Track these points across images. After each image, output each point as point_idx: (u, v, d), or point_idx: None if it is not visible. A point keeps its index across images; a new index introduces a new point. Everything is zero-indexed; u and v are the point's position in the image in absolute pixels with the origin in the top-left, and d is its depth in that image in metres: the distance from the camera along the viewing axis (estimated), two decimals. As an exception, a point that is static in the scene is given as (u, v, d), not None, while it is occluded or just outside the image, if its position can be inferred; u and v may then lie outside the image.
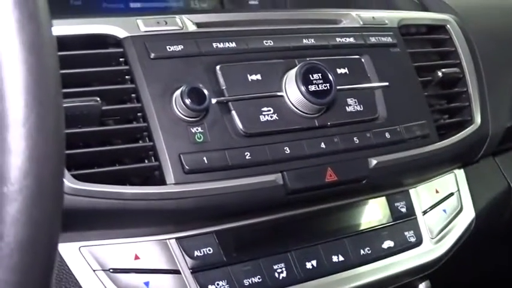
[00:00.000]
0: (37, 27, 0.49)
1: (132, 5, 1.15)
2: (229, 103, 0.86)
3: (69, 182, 0.73)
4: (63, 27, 0.80)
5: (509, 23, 1.30)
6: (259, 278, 0.88)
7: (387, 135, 0.96)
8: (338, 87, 0.91)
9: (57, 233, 0.52)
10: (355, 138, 0.93)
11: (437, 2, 1.23)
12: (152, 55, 0.83)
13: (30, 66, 0.48)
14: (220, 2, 1.23)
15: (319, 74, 0.90)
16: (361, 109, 0.95)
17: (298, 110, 0.90)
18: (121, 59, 0.83)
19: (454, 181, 1.14)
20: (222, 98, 0.86)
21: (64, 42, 0.77)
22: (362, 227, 1.00)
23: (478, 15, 1.25)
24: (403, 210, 1.05)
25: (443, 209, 1.10)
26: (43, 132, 0.49)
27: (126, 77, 0.83)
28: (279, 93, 0.90)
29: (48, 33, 0.50)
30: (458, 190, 1.14)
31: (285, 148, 0.88)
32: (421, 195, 1.08)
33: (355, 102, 0.95)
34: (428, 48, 1.15)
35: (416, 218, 1.06)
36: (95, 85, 0.82)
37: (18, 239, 0.48)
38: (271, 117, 0.88)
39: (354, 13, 1.04)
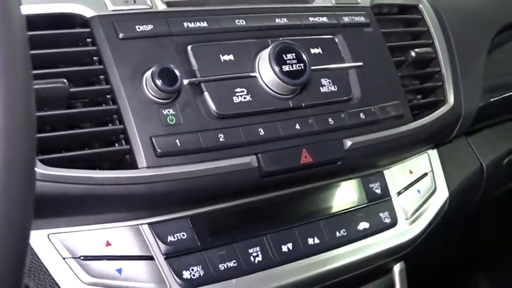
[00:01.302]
0: (6, 5, 0.46)
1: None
2: (202, 84, 0.84)
3: (37, 167, 0.71)
4: (28, 6, 0.77)
5: (481, 3, 1.29)
6: (234, 263, 0.87)
7: (362, 115, 0.95)
8: (312, 68, 0.90)
9: (30, 218, 0.50)
10: (329, 119, 0.92)
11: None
12: (121, 35, 0.81)
13: None
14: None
15: (293, 54, 0.88)
16: (336, 89, 0.94)
17: (272, 90, 0.88)
18: (88, 40, 0.81)
19: (427, 161, 1.14)
20: (194, 79, 0.84)
21: (29, 21, 0.74)
22: (337, 209, 0.99)
23: (450, -5, 1.25)
24: (378, 191, 1.04)
25: (418, 189, 1.10)
26: (12, 111, 0.46)
27: (94, 58, 0.81)
28: (252, 74, 0.88)
29: (17, 11, 0.48)
30: (432, 170, 1.13)
31: (259, 130, 0.86)
32: (396, 176, 1.07)
33: (329, 83, 0.94)
34: (401, 28, 1.14)
35: (391, 198, 1.05)
36: (61, 66, 0.79)
37: None
38: (245, 98, 0.86)
39: (326, -8, 1.02)
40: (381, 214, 1.03)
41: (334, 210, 0.99)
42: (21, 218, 0.49)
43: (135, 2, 0.84)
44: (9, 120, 0.47)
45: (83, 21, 0.81)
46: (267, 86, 0.88)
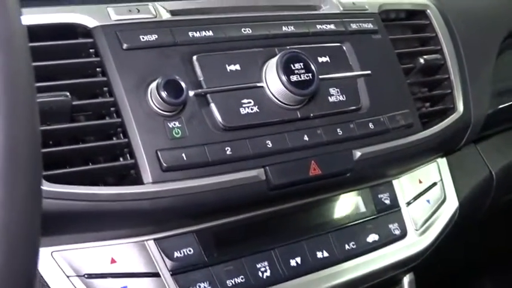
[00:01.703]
0: (6, 16, 0.44)
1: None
2: (208, 95, 0.82)
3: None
4: (28, 17, 0.75)
5: (488, 8, 1.27)
6: (242, 278, 0.85)
7: (371, 125, 0.93)
8: (320, 77, 0.88)
9: (38, 236, 0.48)
10: (338, 130, 0.90)
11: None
12: (125, 45, 0.79)
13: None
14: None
15: (301, 64, 0.86)
16: (344, 99, 0.92)
17: (280, 101, 0.86)
18: (91, 50, 0.79)
19: (436, 170, 1.12)
20: (200, 90, 0.82)
21: (29, 32, 0.72)
22: (346, 221, 0.97)
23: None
24: (387, 202, 1.02)
25: (427, 199, 1.08)
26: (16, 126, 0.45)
27: (98, 69, 0.79)
28: (259, 84, 0.86)
29: (18, 22, 0.46)
30: (441, 179, 1.11)
31: (266, 142, 0.84)
32: (405, 186, 1.05)
33: (338, 92, 0.92)
34: (409, 34, 1.12)
35: (400, 209, 1.03)
36: (64, 79, 0.77)
37: None
38: (252, 109, 0.84)
39: (333, -2, 1.00)
40: (390, 225, 1.01)
41: (343, 222, 0.97)
42: (29, 237, 0.47)
43: (138, 11, 0.82)
44: (13, 136, 0.45)
45: (85, 32, 0.79)
46: (274, 96, 0.86)
